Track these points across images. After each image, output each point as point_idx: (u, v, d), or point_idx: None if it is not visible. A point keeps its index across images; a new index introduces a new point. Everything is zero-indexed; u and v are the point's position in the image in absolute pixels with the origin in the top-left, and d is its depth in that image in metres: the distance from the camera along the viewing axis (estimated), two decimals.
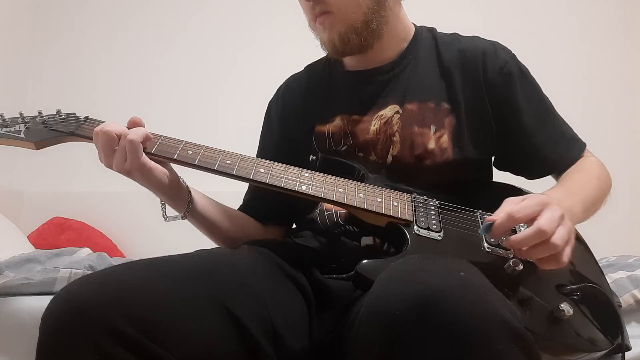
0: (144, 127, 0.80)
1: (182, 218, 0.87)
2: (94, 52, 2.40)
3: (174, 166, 0.83)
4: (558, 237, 0.66)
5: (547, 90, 0.98)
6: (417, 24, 1.03)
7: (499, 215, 0.69)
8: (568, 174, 0.92)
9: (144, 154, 0.77)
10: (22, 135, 0.80)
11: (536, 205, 0.68)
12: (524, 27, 2.11)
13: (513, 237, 0.68)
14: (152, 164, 0.78)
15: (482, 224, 0.80)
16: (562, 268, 0.81)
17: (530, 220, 0.68)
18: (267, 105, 1.11)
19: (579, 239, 0.91)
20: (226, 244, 0.96)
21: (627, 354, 0.77)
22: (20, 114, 0.83)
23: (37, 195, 2.25)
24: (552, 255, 0.68)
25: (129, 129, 0.78)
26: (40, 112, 0.84)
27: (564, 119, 0.99)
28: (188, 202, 0.86)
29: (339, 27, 0.90)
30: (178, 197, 0.85)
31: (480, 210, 0.85)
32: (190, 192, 0.87)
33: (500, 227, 0.69)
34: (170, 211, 0.87)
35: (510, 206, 0.69)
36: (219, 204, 0.95)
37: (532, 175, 0.98)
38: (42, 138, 0.81)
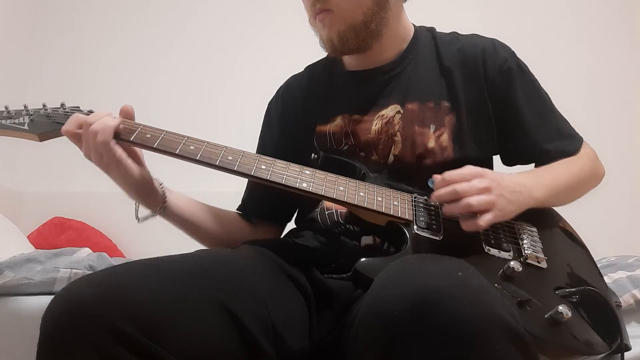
0: (133, 116, 0.82)
1: (152, 215, 0.89)
2: (95, 50, 2.40)
3: (174, 162, 0.83)
4: (473, 200, 0.74)
5: (546, 88, 0.99)
6: (417, 24, 1.03)
7: (439, 176, 0.79)
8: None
9: (118, 149, 0.78)
10: (26, 127, 0.81)
11: (468, 174, 0.78)
12: (523, 26, 2.12)
13: (435, 192, 0.78)
14: (129, 161, 0.79)
15: None
16: (561, 270, 0.82)
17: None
18: (266, 105, 1.11)
19: (577, 240, 0.92)
20: (212, 243, 0.97)
21: (627, 354, 0.77)
22: (25, 106, 0.84)
23: (37, 195, 2.25)
24: (472, 218, 0.75)
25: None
26: (44, 105, 0.84)
27: (563, 115, 0.99)
28: (162, 204, 0.88)
29: (338, 25, 0.90)
30: (152, 196, 0.87)
31: None
32: (164, 194, 0.89)
33: (436, 185, 0.79)
34: (142, 213, 0.89)
35: (449, 172, 0.78)
36: (200, 203, 0.96)
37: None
38: (45, 130, 0.81)
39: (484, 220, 0.75)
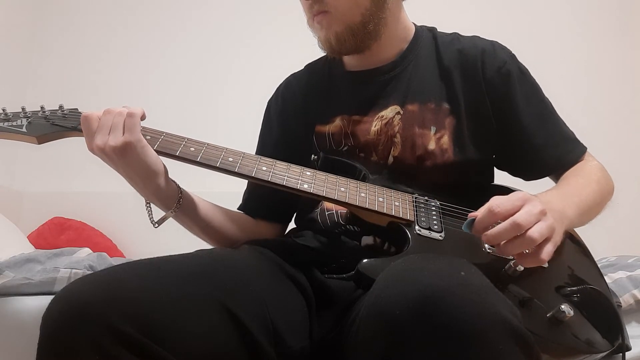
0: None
1: (170, 214, 0.84)
2: (95, 50, 2.40)
3: (176, 164, 0.82)
4: (535, 231, 0.65)
5: (546, 90, 0.98)
6: (417, 24, 1.03)
7: (480, 211, 0.69)
8: (565, 177, 0.91)
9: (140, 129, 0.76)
10: (24, 129, 0.80)
11: (517, 200, 0.68)
12: (523, 26, 2.12)
13: (489, 231, 0.67)
14: (146, 143, 0.77)
15: None
16: (562, 270, 0.82)
17: (510, 216, 0.67)
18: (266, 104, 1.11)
19: (577, 241, 0.91)
20: (220, 242, 0.96)
21: (627, 354, 0.77)
22: (23, 109, 0.83)
23: (37, 195, 2.25)
24: (532, 252, 0.67)
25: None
26: (42, 107, 0.83)
27: (564, 121, 0.98)
28: (178, 197, 0.84)
29: (335, 26, 0.90)
30: (169, 187, 0.83)
31: None
32: (179, 186, 0.85)
33: (481, 222, 0.68)
34: (157, 216, 0.84)
35: (492, 202, 0.69)
36: (207, 201, 0.94)
37: (530, 176, 0.98)
38: (44, 132, 0.80)
39: (547, 253, 0.67)
